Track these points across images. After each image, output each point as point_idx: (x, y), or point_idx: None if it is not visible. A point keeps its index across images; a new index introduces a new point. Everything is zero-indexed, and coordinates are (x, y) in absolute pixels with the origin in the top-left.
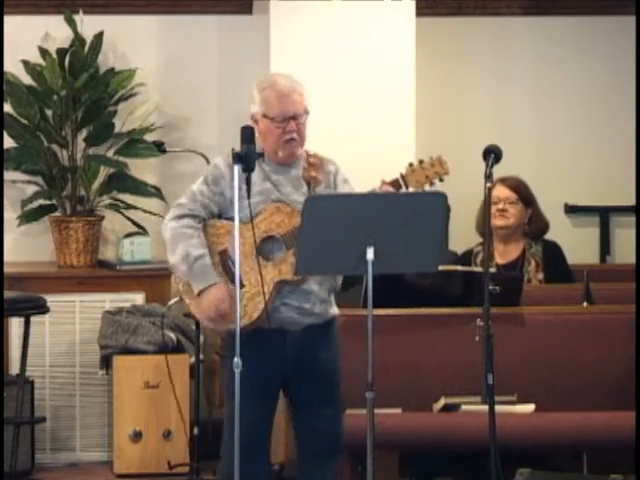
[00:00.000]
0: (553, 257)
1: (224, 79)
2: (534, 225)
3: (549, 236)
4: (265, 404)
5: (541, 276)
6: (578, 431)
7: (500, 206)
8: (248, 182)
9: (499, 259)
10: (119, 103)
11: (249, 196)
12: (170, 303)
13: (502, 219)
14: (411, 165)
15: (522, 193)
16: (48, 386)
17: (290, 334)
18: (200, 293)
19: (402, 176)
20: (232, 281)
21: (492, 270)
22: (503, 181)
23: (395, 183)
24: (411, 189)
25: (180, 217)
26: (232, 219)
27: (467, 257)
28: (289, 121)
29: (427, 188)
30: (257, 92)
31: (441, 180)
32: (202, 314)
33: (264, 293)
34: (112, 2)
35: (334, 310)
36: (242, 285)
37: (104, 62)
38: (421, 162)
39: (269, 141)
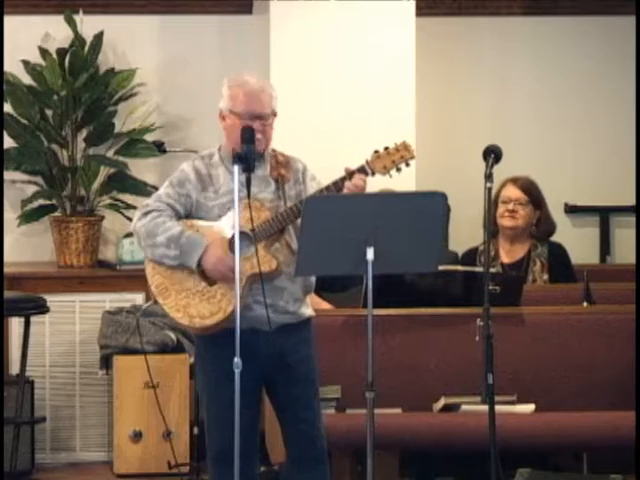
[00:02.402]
0: (558, 259)
1: (224, 79)
2: (542, 227)
3: None
4: (245, 408)
5: (546, 277)
6: (578, 431)
7: (510, 207)
8: (248, 182)
9: (505, 258)
10: (119, 103)
11: (249, 195)
12: (145, 305)
13: (511, 220)
14: (376, 152)
15: (533, 195)
16: (48, 386)
17: (263, 334)
18: (199, 263)
19: (367, 163)
20: (209, 284)
21: (493, 270)
22: (514, 181)
23: (360, 169)
24: (378, 175)
25: (145, 214)
26: (201, 219)
27: (472, 255)
28: (254, 120)
29: (393, 173)
30: (226, 88)
31: (407, 165)
32: (218, 278)
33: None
34: (112, 2)
35: (309, 311)
36: (214, 282)
37: (104, 62)
38: (386, 148)
39: (232, 138)
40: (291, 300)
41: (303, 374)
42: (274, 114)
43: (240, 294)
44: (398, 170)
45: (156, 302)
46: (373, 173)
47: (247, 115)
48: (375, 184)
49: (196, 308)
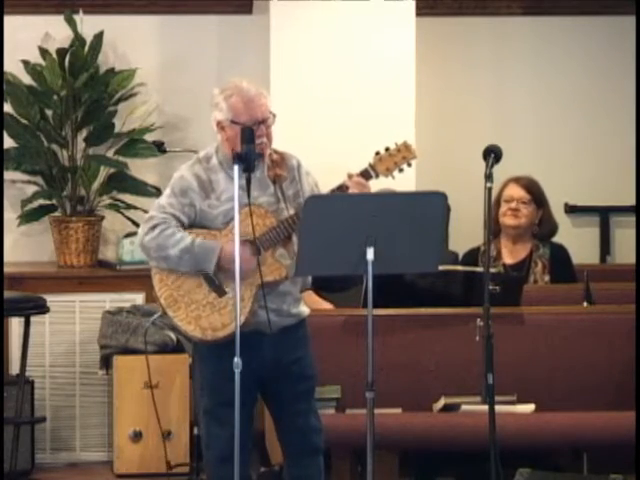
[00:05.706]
0: (560, 260)
1: (224, 79)
2: (544, 226)
3: None
4: (243, 407)
5: (547, 278)
6: (578, 431)
7: (513, 205)
8: (248, 182)
9: (507, 258)
10: (119, 103)
11: (249, 196)
12: (152, 319)
13: (514, 219)
14: (378, 153)
15: (535, 194)
16: (48, 386)
17: (266, 336)
18: (219, 265)
19: (371, 166)
20: (219, 295)
21: (493, 270)
22: (517, 180)
23: (364, 173)
24: (381, 177)
25: (153, 228)
26: (205, 228)
27: (474, 254)
28: (259, 126)
29: (396, 174)
30: (222, 99)
31: (409, 165)
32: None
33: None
34: (112, 2)
35: (305, 309)
36: (224, 292)
37: (104, 62)
38: (387, 149)
39: (238, 147)
40: (293, 302)
41: (300, 372)
42: (273, 115)
43: (250, 303)
44: (400, 171)
45: (165, 313)
46: (377, 176)
47: (251, 123)
48: (375, 184)
49: (207, 320)
